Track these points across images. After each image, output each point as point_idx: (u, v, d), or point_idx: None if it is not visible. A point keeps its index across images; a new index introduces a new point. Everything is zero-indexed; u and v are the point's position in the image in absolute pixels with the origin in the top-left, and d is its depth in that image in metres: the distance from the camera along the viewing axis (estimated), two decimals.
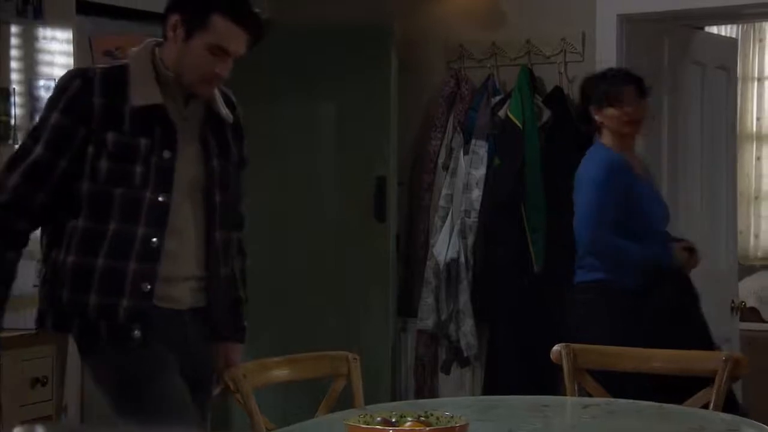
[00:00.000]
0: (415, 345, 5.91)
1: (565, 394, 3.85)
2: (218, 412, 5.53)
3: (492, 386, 5.60)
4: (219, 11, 3.10)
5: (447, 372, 5.79)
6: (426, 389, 5.85)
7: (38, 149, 3.09)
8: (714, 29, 6.64)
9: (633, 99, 4.68)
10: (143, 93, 3.13)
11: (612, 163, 4.66)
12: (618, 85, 4.70)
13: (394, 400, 5.63)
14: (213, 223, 3.23)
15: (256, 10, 3.17)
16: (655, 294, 4.65)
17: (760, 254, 8.47)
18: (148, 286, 3.09)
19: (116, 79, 3.14)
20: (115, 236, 3.09)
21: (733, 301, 6.20)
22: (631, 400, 3.56)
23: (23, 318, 4.45)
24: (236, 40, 3.14)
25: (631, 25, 5.59)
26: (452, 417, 2.71)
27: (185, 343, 3.24)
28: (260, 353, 3.60)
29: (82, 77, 3.13)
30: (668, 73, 5.76)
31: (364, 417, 2.70)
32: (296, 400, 4.96)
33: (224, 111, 3.30)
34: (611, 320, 4.61)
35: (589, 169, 4.68)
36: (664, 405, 3.47)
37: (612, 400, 3.63)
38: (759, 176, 8.48)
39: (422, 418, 2.71)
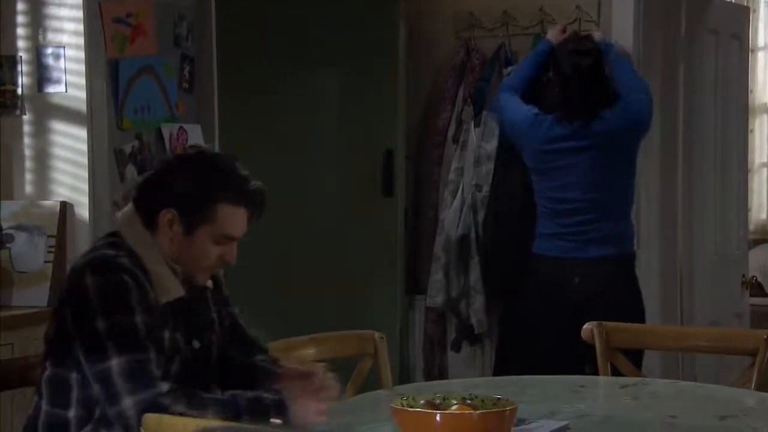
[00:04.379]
0: (424, 323, 5.78)
1: (586, 373, 3.78)
2: None
3: (502, 365, 5.48)
4: (224, 201, 2.88)
5: (458, 350, 5.66)
6: (435, 368, 5.73)
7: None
8: None
9: None
10: (169, 288, 2.91)
11: None
12: None
13: (402, 379, 5.53)
14: None
15: (255, 183, 2.93)
16: None
17: (752, 228, 8.39)
18: None
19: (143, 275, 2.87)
20: None
21: (744, 276, 6.12)
22: (667, 380, 3.48)
23: (35, 294, 4.35)
24: (242, 223, 2.92)
25: None
26: (499, 399, 2.59)
27: None
28: (267, 332, 3.45)
29: (130, 274, 2.82)
30: (684, 42, 5.63)
31: (407, 399, 2.57)
32: None
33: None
34: None
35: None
36: (704, 384, 3.39)
37: (648, 379, 3.55)
38: (751, 149, 8.41)
39: (468, 401, 2.58)
